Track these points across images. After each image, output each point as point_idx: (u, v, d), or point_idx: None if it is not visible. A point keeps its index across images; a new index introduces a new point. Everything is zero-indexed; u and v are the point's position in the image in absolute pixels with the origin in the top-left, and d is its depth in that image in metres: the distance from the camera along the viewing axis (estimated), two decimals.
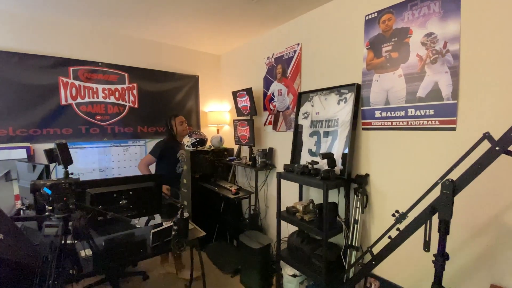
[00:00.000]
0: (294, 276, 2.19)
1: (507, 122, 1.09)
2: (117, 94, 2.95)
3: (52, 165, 1.30)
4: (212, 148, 3.40)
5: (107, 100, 2.89)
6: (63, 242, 1.16)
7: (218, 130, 3.71)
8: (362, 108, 1.95)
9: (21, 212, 1.45)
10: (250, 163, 2.88)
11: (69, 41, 2.64)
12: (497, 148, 1.03)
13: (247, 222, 2.89)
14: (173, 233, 1.91)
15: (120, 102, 2.98)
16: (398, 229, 1.37)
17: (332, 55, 2.18)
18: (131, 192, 1.71)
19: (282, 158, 2.73)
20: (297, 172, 2.07)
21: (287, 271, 2.22)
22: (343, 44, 2.09)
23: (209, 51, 3.65)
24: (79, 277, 1.58)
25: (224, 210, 3.28)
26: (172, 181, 2.41)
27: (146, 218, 2.53)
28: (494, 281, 1.36)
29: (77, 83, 2.68)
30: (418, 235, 1.25)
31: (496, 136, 1.04)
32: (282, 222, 2.20)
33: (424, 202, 1.26)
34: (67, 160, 1.16)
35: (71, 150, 2.69)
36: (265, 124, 2.95)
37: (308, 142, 2.28)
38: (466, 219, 1.43)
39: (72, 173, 1.22)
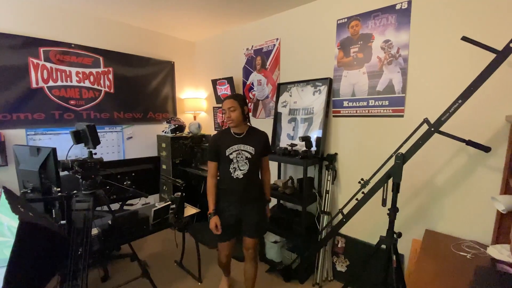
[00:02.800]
0: (276, 242, 2.55)
1: (440, 110, 1.53)
2: (92, 78, 2.85)
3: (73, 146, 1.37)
4: (190, 134, 3.52)
5: (82, 84, 2.78)
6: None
7: (195, 117, 3.82)
8: (333, 98, 2.33)
9: (25, 195, 1.46)
10: None
11: (40, 20, 2.46)
12: (432, 129, 1.47)
13: None
14: (170, 211, 2.09)
15: (96, 86, 2.89)
16: (363, 192, 1.79)
17: (308, 51, 2.50)
18: (133, 174, 1.82)
19: None
20: (279, 153, 2.39)
21: (270, 238, 2.57)
22: (318, 43, 2.42)
23: (183, 37, 3.67)
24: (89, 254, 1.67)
25: (204, 191, 3.47)
26: (228, 200, 1.72)
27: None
28: (428, 227, 1.89)
29: (48, 65, 2.53)
30: (375, 198, 1.68)
31: (432, 120, 1.48)
32: None
33: (381, 171, 1.68)
34: (96, 141, 1.26)
35: (43, 137, 2.59)
36: None
37: (286, 128, 2.61)
38: (410, 182, 1.93)
39: (95, 153, 1.32)
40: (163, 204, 2.01)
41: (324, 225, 2.31)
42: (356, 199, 1.81)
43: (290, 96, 2.60)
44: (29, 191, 1.47)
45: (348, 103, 2.25)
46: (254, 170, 1.72)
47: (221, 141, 1.68)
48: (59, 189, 1.51)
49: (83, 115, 2.82)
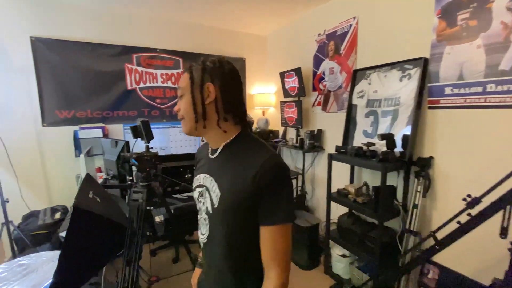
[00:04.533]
0: (344, 256, 2.21)
1: None
2: (173, 79, 3.16)
3: (134, 140, 1.49)
4: (258, 130, 3.48)
5: (165, 84, 3.12)
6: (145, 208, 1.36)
7: (263, 113, 3.76)
8: (429, 84, 1.78)
9: (107, 181, 1.71)
10: (297, 145, 2.89)
11: (132, 30, 2.88)
12: None
13: (295, 202, 2.96)
14: None
15: (176, 86, 3.19)
16: (470, 214, 1.28)
17: (395, 28, 2.00)
18: (194, 167, 1.87)
19: (332, 140, 2.67)
20: (351, 153, 2.02)
21: (336, 251, 2.25)
22: (408, 15, 1.90)
23: (255, 32, 3.64)
24: (154, 239, 1.84)
25: None
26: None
27: None
28: None
29: (139, 69, 2.94)
30: (489, 222, 1.16)
31: None
32: (332, 204, 2.21)
33: (502, 188, 1.14)
34: (149, 135, 1.32)
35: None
36: (313, 105, 2.90)
37: (363, 123, 2.19)
38: None
39: (152, 147, 1.39)
40: None
41: (408, 247, 1.83)
42: (459, 222, 1.31)
43: (369, 84, 2.16)
44: (110, 178, 1.70)
45: (452, 90, 1.67)
46: (223, 243, 0.73)
47: (198, 158, 0.91)
48: (130, 178, 1.70)
49: (166, 112, 3.17)
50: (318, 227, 2.44)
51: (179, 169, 1.80)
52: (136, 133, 1.36)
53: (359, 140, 2.18)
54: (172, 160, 1.84)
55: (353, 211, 2.29)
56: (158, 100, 3.11)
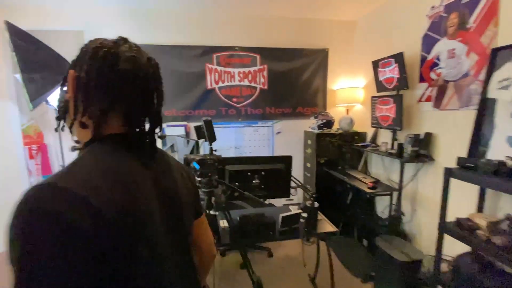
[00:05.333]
0: None
1: None
2: (250, 77, 3.08)
3: (200, 141, 1.40)
4: (340, 131, 3.01)
5: (242, 83, 3.07)
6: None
7: (347, 111, 3.24)
8: None
9: None
10: (394, 151, 2.29)
11: (213, 30, 2.93)
12: None
13: (385, 224, 2.38)
14: (301, 220, 1.77)
15: (252, 84, 3.10)
16: None
17: None
18: (263, 173, 1.66)
19: (448, 148, 1.97)
20: (486, 170, 1.37)
21: None
22: None
23: (342, 18, 3.15)
24: (218, 245, 1.74)
25: (352, 202, 2.88)
26: None
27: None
28: None
29: (219, 68, 2.98)
30: None
31: None
32: (446, 237, 1.58)
33: None
34: (211, 137, 1.19)
35: (214, 129, 3.12)
36: (420, 101, 2.23)
37: (507, 126, 1.47)
38: None
39: (215, 150, 1.25)
40: (292, 212, 1.73)
41: None
42: None
43: None
44: None
45: None
46: None
47: None
48: (199, 179, 1.63)
49: (241, 111, 3.12)
50: (420, 264, 1.84)
51: (246, 174, 1.63)
52: (199, 133, 1.25)
53: (499, 150, 1.48)
54: (239, 162, 1.68)
55: (482, 254, 1.59)
56: (234, 99, 3.08)
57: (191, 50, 2.88)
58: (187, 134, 2.93)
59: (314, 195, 1.59)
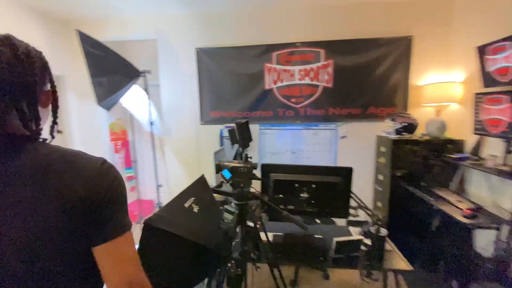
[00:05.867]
0: None
1: None
2: (311, 74, 2.79)
3: (234, 146, 1.25)
4: (425, 137, 2.40)
5: (302, 81, 2.81)
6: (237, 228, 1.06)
7: (438, 112, 2.57)
8: None
9: (222, 184, 1.62)
10: (507, 169, 1.64)
11: (273, 28, 2.77)
12: None
13: (488, 266, 1.73)
14: (362, 248, 1.42)
15: (314, 82, 2.80)
16: None
17: None
18: (313, 185, 1.39)
19: None
20: None
21: None
22: None
23: None
24: (258, 261, 1.57)
25: (439, 230, 2.24)
26: None
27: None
28: None
29: (278, 67, 2.81)
30: None
31: None
32: None
33: None
34: (245, 142, 1.02)
35: (269, 132, 2.97)
36: None
37: None
38: None
39: (250, 157, 1.07)
40: (350, 238, 1.40)
41: None
42: None
43: None
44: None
45: None
46: None
47: None
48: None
49: (300, 112, 2.86)
50: None
51: (293, 184, 1.39)
52: (233, 137, 1.10)
53: None
54: (287, 170, 1.46)
55: None
56: (293, 100, 2.85)
57: (250, 50, 2.80)
58: None
59: (379, 222, 1.23)
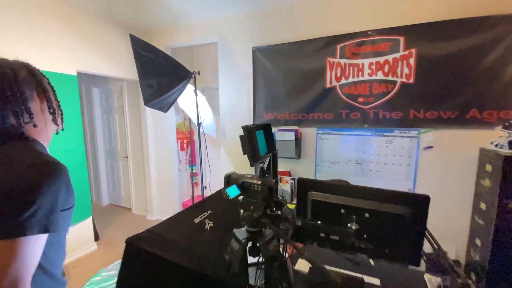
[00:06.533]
0: None
1: None
2: (386, 68, 2.27)
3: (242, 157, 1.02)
4: None
5: (373, 77, 2.32)
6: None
7: None
8: None
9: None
10: None
11: (337, 16, 2.39)
12: None
13: None
14: None
15: (389, 78, 2.27)
16: None
17: None
18: (367, 214, 1.03)
19: None
20: None
21: None
22: None
23: None
24: None
25: None
26: None
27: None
28: None
29: (342, 61, 2.40)
30: None
31: None
32: None
33: None
34: (254, 153, 0.79)
35: (329, 136, 2.57)
36: None
37: None
38: None
39: (266, 175, 0.83)
40: None
41: None
42: None
43: None
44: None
45: None
46: None
47: None
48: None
49: (369, 114, 2.37)
50: None
51: (338, 210, 1.06)
52: (244, 146, 0.87)
53: None
54: (331, 190, 1.13)
55: None
56: (360, 99, 2.39)
57: (310, 44, 2.49)
58: (297, 141, 2.58)
59: (466, 284, 0.79)
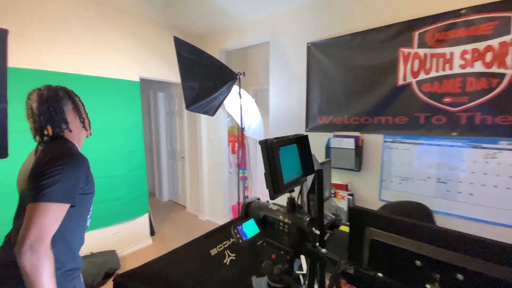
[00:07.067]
0: None
1: None
2: (488, 57, 1.68)
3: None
4: None
5: (467, 70, 1.76)
6: None
7: None
8: None
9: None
10: None
11: None
12: None
13: None
14: None
15: (493, 70, 1.67)
16: None
17: None
18: (460, 276, 0.66)
19: None
20: None
21: None
22: None
23: None
24: None
25: None
26: None
27: None
28: None
29: (422, 51, 1.90)
30: None
31: None
32: None
33: None
34: (274, 180, 0.54)
35: (400, 145, 2.07)
36: None
37: None
38: None
39: (302, 208, 0.57)
40: None
41: None
42: None
43: None
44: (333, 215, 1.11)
45: None
46: None
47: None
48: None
49: (460, 118, 1.81)
50: None
51: (411, 260, 0.72)
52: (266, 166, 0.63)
53: None
54: (402, 230, 0.79)
55: None
56: (447, 99, 1.84)
57: (378, 34, 2.07)
58: (358, 149, 2.17)
59: None
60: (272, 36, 2.72)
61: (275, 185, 0.52)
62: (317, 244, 0.85)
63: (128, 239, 2.76)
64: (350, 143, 2.18)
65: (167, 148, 4.66)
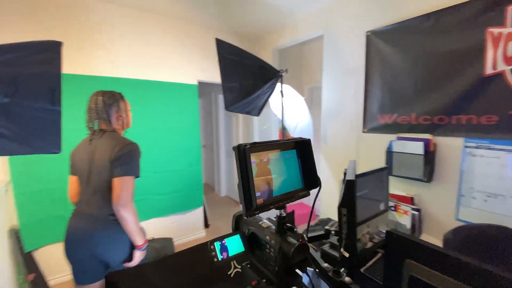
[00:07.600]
0: None
1: None
2: None
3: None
4: None
5: None
6: None
7: None
8: None
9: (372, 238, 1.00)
10: None
11: None
12: None
13: None
14: None
15: None
16: None
17: None
18: None
19: None
20: None
21: None
22: None
23: None
24: None
25: None
26: None
27: None
28: None
29: None
30: None
31: None
32: None
33: None
34: (245, 197, 0.44)
35: (486, 152, 1.60)
36: None
37: None
38: None
39: (295, 230, 0.47)
40: None
41: None
42: None
43: None
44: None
45: None
46: None
47: None
48: None
49: None
50: None
51: None
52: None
53: None
54: (452, 268, 0.59)
55: None
56: None
57: (456, 13, 1.66)
58: (428, 155, 1.80)
59: None
60: (326, 28, 2.53)
61: (247, 203, 0.43)
62: (342, 270, 0.73)
63: (183, 229, 3.02)
64: (418, 148, 1.83)
65: (225, 147, 4.91)
